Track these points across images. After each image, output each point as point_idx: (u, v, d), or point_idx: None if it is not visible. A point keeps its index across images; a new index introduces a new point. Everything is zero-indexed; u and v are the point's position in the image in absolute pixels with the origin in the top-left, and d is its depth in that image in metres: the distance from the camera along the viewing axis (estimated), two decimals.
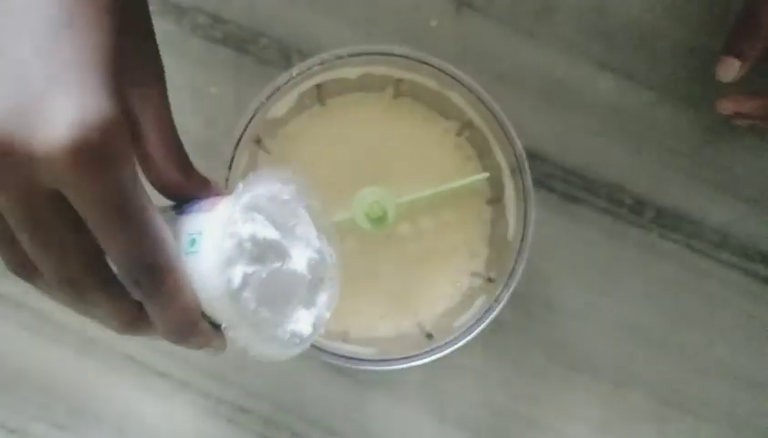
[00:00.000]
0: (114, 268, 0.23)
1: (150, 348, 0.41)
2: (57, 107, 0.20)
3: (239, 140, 0.37)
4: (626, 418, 0.42)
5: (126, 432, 0.41)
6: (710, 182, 0.43)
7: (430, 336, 0.39)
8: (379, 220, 0.38)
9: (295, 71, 0.37)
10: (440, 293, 0.41)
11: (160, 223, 0.23)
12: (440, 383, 0.42)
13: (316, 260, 0.27)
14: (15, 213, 0.21)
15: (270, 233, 0.25)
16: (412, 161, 0.41)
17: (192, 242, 0.24)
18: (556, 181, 0.43)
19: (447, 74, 0.38)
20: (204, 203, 0.26)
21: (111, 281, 0.23)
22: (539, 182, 0.43)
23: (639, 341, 0.42)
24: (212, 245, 0.23)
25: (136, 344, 0.41)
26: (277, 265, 0.24)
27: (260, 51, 0.43)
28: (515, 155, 0.38)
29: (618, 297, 0.42)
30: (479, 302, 0.38)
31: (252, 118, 0.37)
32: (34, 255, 0.22)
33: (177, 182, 0.27)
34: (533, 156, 0.42)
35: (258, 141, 0.39)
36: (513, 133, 0.37)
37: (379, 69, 0.39)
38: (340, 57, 0.37)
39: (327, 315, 0.27)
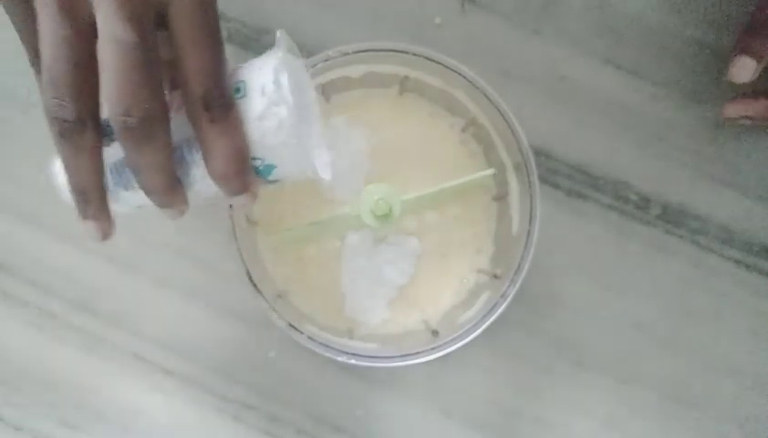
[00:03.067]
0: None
1: (155, 345, 0.42)
2: None
3: None
4: (631, 414, 0.42)
5: (131, 430, 0.41)
6: (716, 179, 0.43)
7: (435, 332, 0.39)
8: (385, 216, 0.38)
9: None
10: (445, 289, 0.41)
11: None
12: (445, 380, 0.42)
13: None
14: (124, 29, 0.24)
15: (300, 82, 0.29)
16: (418, 157, 0.41)
17: (238, 90, 0.27)
18: (562, 177, 0.43)
19: (452, 71, 0.38)
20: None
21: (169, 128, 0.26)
22: (544, 179, 0.43)
23: (645, 337, 0.42)
24: (259, 86, 0.27)
25: (142, 342, 0.42)
26: (306, 108, 0.29)
27: (265, 48, 0.43)
28: (521, 151, 0.38)
29: (624, 293, 0.42)
30: (484, 298, 0.38)
31: None
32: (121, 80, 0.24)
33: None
34: (538, 152, 0.42)
35: None
36: (519, 130, 0.37)
37: (385, 67, 0.39)
38: (345, 54, 0.38)
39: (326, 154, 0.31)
